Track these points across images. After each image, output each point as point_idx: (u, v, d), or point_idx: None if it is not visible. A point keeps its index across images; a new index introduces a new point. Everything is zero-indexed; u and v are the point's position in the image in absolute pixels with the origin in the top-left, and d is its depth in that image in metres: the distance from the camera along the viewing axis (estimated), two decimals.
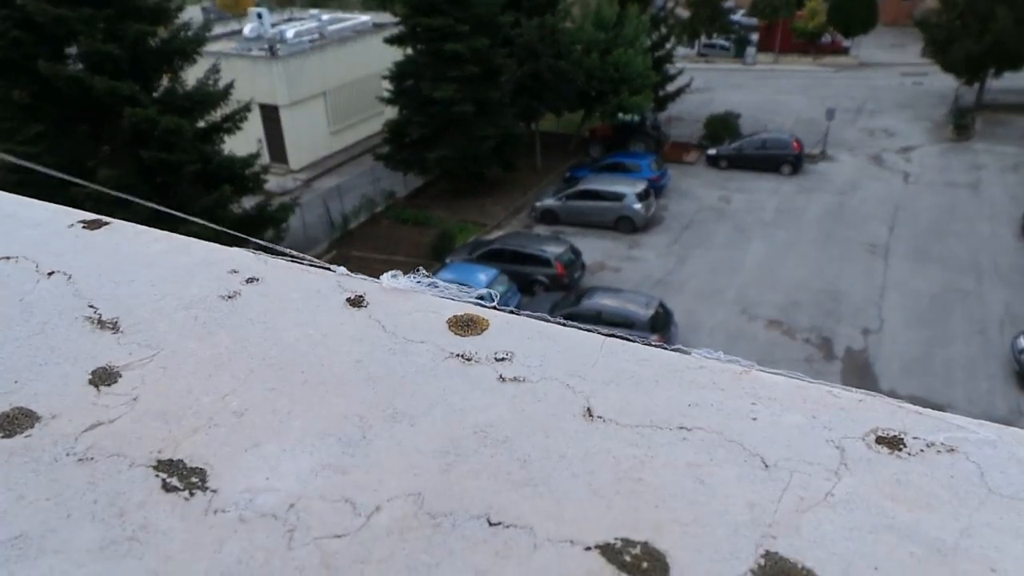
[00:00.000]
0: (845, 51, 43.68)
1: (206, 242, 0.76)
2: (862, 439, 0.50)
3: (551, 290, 18.54)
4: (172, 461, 0.49)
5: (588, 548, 0.42)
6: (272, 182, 22.79)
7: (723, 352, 0.59)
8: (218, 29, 29.58)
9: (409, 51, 23.76)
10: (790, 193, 24.92)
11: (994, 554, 0.39)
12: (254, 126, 24.60)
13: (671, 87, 29.84)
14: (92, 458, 0.49)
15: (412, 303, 0.67)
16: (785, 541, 0.41)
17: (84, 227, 0.77)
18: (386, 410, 0.54)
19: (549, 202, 23.09)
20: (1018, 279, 19.14)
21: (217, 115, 16.62)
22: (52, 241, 0.76)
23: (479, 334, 0.61)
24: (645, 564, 0.40)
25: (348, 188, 24.69)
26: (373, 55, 28.73)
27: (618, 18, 25.71)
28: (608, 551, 0.41)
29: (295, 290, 0.69)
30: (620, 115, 26.90)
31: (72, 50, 15.09)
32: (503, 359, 0.59)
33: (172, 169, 15.05)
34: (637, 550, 0.41)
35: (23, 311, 0.64)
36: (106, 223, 0.78)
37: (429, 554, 0.41)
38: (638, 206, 21.93)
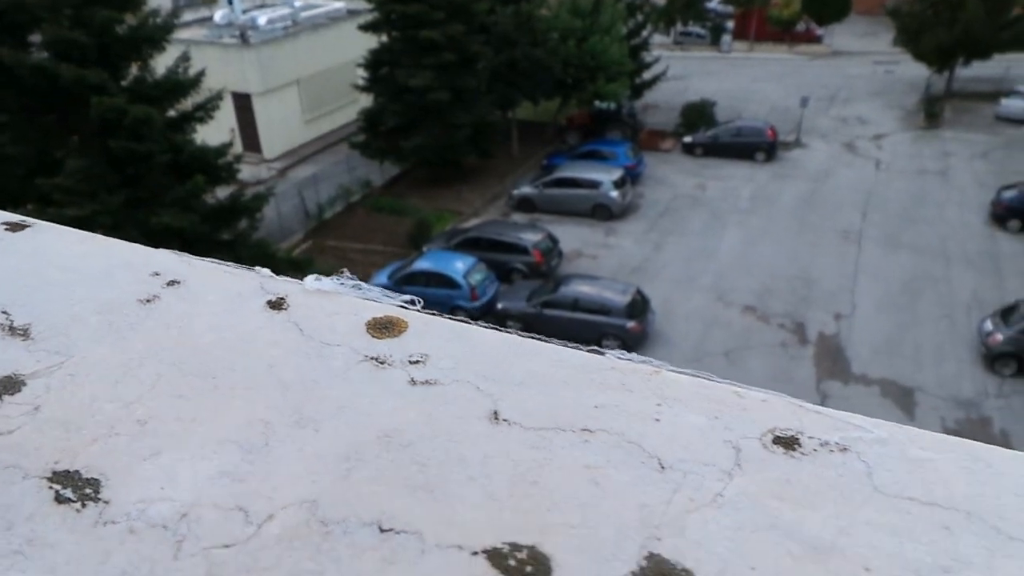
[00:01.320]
0: (819, 40, 44.03)
1: (132, 244, 0.76)
2: (759, 439, 0.50)
3: (529, 278, 18.58)
4: (68, 472, 0.49)
5: (475, 553, 0.42)
6: (246, 172, 22.49)
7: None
8: (188, 16, 29.04)
9: (384, 38, 23.54)
10: (765, 180, 25.15)
11: (870, 552, 0.41)
12: (227, 115, 24.24)
13: (647, 75, 29.90)
14: None
15: (333, 305, 0.66)
16: (669, 542, 0.42)
17: (6, 229, 0.75)
18: (292, 416, 0.53)
19: (526, 190, 23.09)
20: (985, 264, 19.53)
21: (188, 104, 16.34)
22: None
23: (396, 336, 0.61)
24: (529, 568, 0.40)
25: (323, 177, 24.46)
26: (347, 42, 28.40)
27: (594, 5, 25.67)
28: (494, 556, 0.41)
29: (216, 292, 0.69)
30: (596, 103, 26.94)
31: (36, 38, 14.74)
32: (417, 361, 0.59)
33: (142, 159, 14.79)
34: (523, 554, 0.41)
35: None
36: (28, 225, 0.76)
37: (315, 562, 0.41)
38: (615, 194, 22.01)
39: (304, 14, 29.38)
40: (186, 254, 0.71)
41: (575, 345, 0.59)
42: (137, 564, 0.42)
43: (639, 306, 16.26)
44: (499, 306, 17.16)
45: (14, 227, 0.76)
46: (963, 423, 14.04)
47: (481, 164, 25.76)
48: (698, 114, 28.77)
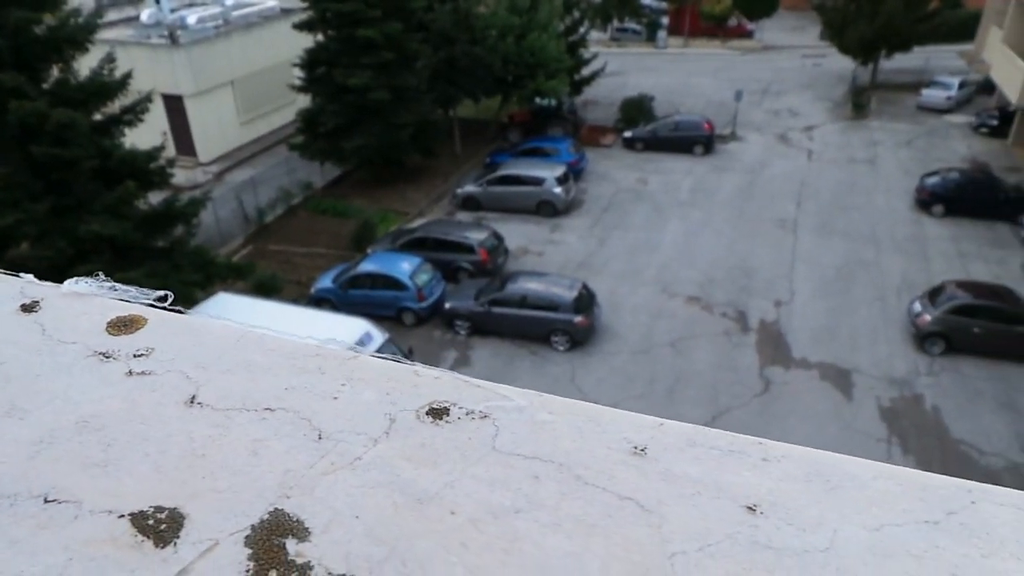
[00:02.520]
0: (750, 35, 45.24)
1: None
2: (415, 411, 0.56)
3: (475, 276, 18.55)
4: None
5: (121, 516, 0.48)
6: (180, 176, 21.81)
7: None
8: (112, 15, 27.94)
9: (320, 37, 23.11)
10: (703, 173, 25.71)
11: (463, 499, 0.48)
12: (158, 118, 23.45)
13: (586, 71, 30.19)
14: None
15: (83, 306, 0.69)
16: (296, 500, 0.49)
17: None
18: (5, 407, 0.58)
19: (470, 188, 23.04)
20: (912, 248, 20.43)
21: (115, 107, 15.72)
22: None
23: (130, 333, 0.65)
24: (163, 526, 0.46)
25: (262, 180, 23.89)
26: (282, 42, 27.79)
27: (531, 3, 25.76)
28: (137, 517, 0.47)
29: None
30: (537, 100, 27.06)
31: None
32: (141, 355, 0.63)
33: (67, 165, 14.16)
34: (163, 515, 0.47)
35: None
36: None
37: None
38: (558, 190, 22.16)
39: (236, 13, 28.60)
40: None
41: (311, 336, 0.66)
42: None
43: (586, 301, 16.42)
44: (447, 306, 17.09)
45: None
46: (897, 401, 14.66)
47: (424, 164, 25.59)
48: (637, 109, 29.20)
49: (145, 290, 0.71)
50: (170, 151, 19.68)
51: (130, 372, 0.61)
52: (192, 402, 0.59)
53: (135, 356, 0.63)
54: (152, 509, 0.49)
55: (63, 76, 14.88)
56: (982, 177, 22.91)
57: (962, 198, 21.68)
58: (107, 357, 0.63)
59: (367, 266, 17.91)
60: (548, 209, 22.27)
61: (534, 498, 0.49)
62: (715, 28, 44.64)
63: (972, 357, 15.59)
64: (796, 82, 36.19)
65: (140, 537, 0.47)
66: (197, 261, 16.21)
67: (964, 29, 35.51)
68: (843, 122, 30.61)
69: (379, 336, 14.24)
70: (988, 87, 31.01)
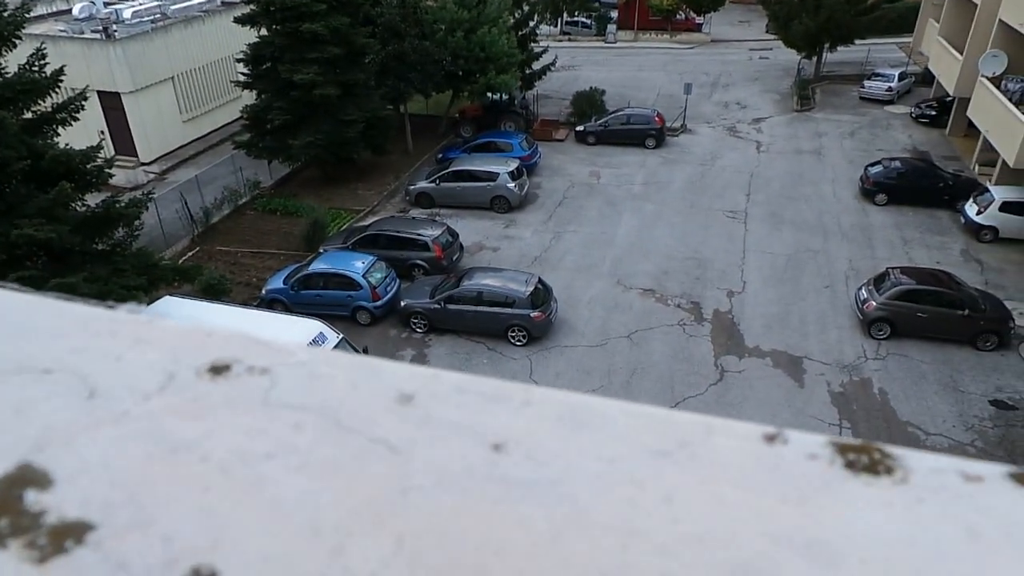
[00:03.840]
0: (698, 28, 45.80)
1: None
2: (196, 368, 0.58)
3: (430, 273, 18.35)
4: None
5: None
6: (120, 176, 21.02)
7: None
8: (41, 9, 26.77)
9: (264, 32, 22.50)
10: (655, 166, 25.93)
11: (218, 447, 0.51)
12: (95, 116, 22.59)
13: (537, 65, 30.13)
14: None
15: None
16: (49, 453, 0.51)
17: None
18: None
19: (423, 184, 22.78)
20: (858, 236, 20.95)
21: (47, 105, 15.03)
22: None
23: None
24: None
25: (208, 179, 23.21)
26: (225, 36, 27.02)
27: None
28: None
29: None
30: (489, 95, 26.88)
31: None
32: None
33: None
34: None
35: None
36: None
37: None
38: (512, 185, 22.07)
39: (174, 7, 27.68)
40: None
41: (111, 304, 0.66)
42: None
43: (542, 295, 16.38)
44: (402, 304, 16.86)
45: None
46: (847, 386, 15.01)
47: (375, 160, 25.20)
48: (588, 103, 29.28)
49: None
50: (108, 151, 18.94)
51: None
52: None
53: None
54: None
55: None
56: (922, 166, 23.63)
57: (904, 186, 22.32)
58: None
59: (319, 265, 17.54)
60: (502, 204, 22.17)
61: (288, 444, 0.51)
62: (664, 22, 45.06)
63: (916, 341, 16.06)
64: (744, 75, 36.80)
65: None
66: (140, 264, 15.65)
67: (903, 22, 36.56)
68: (790, 114, 31.24)
69: (333, 336, 13.95)
70: (927, 78, 32.02)
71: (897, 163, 23.37)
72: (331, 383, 0.57)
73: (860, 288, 17.19)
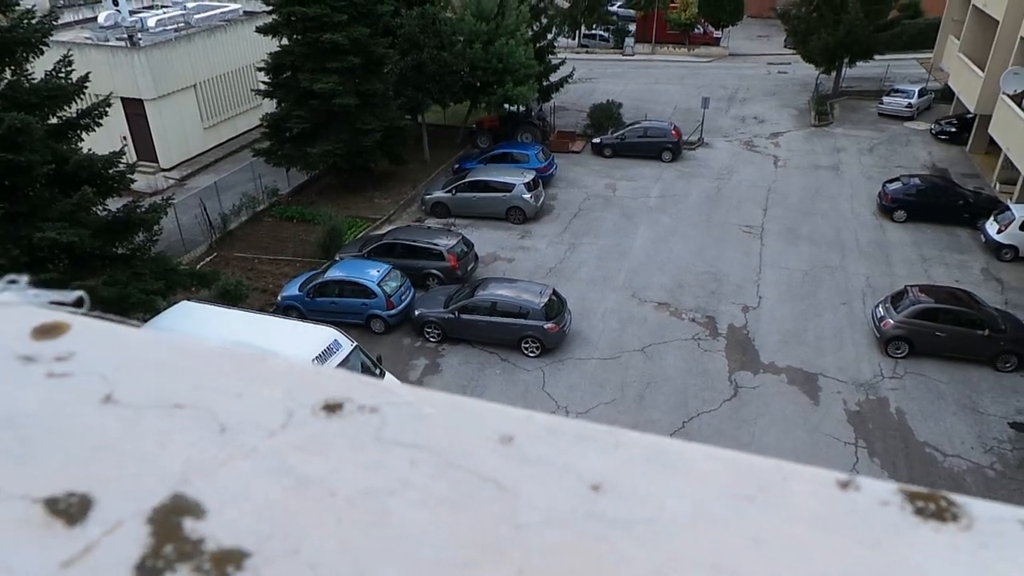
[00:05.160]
0: (716, 42, 45.82)
1: None
2: (311, 407, 0.62)
3: (445, 283, 18.39)
4: None
5: (36, 500, 0.53)
6: (141, 182, 21.31)
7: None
8: (68, 16, 27.26)
9: (284, 41, 22.76)
10: (671, 179, 25.89)
11: (342, 481, 0.55)
12: (118, 122, 22.91)
13: (554, 77, 30.23)
14: None
15: (8, 313, 0.73)
16: (196, 484, 0.55)
17: None
18: None
19: (439, 194, 22.87)
20: (876, 253, 20.78)
21: (72, 111, 15.26)
22: None
23: (54, 338, 0.70)
24: (73, 509, 0.52)
25: (227, 186, 23.45)
26: (247, 45, 27.36)
27: (499, 8, 25.72)
28: (50, 501, 0.53)
29: None
30: (506, 106, 27.00)
31: None
32: (62, 359, 0.68)
33: (21, 170, 13.67)
34: (74, 499, 0.53)
35: None
36: None
37: None
38: (528, 196, 22.11)
39: (197, 16, 28.08)
40: None
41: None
42: None
43: (556, 307, 16.36)
44: (416, 313, 16.90)
45: None
46: (863, 404, 14.85)
47: (392, 169, 25.36)
48: (605, 115, 29.32)
49: (66, 292, 0.75)
50: (131, 156, 19.19)
51: (50, 374, 0.65)
52: (107, 400, 0.62)
53: (56, 360, 0.67)
54: (64, 494, 0.53)
55: (16, 79, 14.40)
56: (942, 183, 23.44)
57: (923, 204, 22.14)
58: (29, 360, 0.67)
59: (335, 273, 17.63)
60: (518, 215, 22.21)
61: (407, 480, 0.55)
62: (682, 35, 45.12)
63: (935, 360, 15.88)
64: (761, 89, 36.73)
65: (51, 519, 0.52)
66: (158, 269, 15.79)
67: (923, 38, 36.42)
68: (808, 129, 31.12)
69: (347, 344, 14.00)
70: (947, 95, 31.81)
71: (916, 180, 23.20)
72: (436, 423, 0.60)
73: (877, 305, 17.03)
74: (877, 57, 32.91)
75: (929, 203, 22.12)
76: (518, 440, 0.58)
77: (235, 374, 0.66)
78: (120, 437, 0.59)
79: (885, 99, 32.35)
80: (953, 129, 28.84)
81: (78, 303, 0.76)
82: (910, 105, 31.56)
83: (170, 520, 0.52)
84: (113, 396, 0.63)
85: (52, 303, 0.76)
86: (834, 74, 34.01)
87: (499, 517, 0.52)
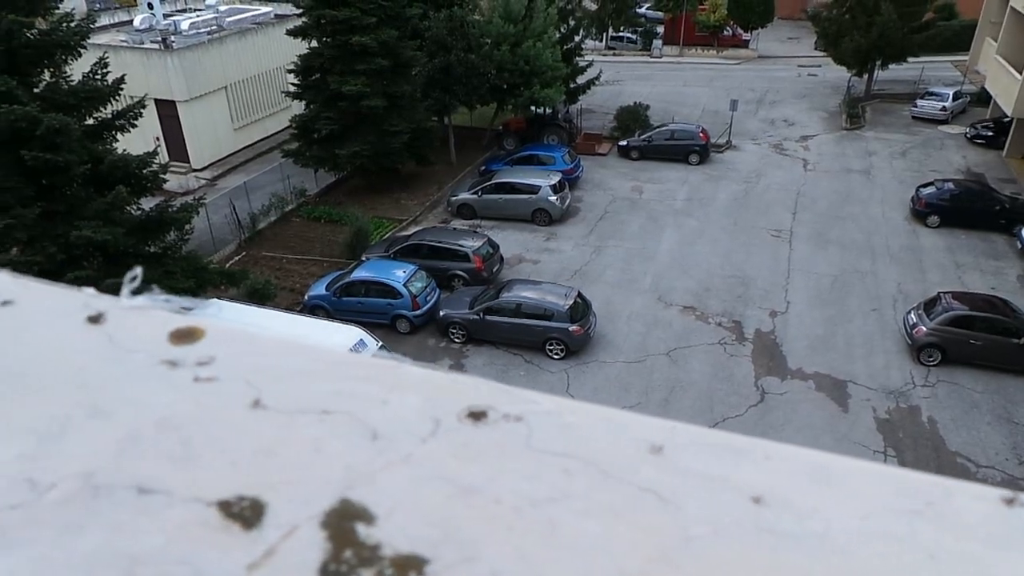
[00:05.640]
0: (745, 44, 45.37)
1: None
2: (456, 414, 0.63)
3: (470, 284, 18.43)
4: None
5: (210, 504, 0.55)
6: (173, 182, 21.67)
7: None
8: (104, 20, 27.85)
9: (314, 43, 23.01)
10: (699, 182, 25.69)
11: (503, 490, 0.55)
12: (151, 123, 23.32)
13: (581, 79, 30.17)
14: None
15: (144, 318, 0.75)
16: (360, 490, 0.56)
17: None
18: (89, 409, 0.64)
19: (465, 196, 22.95)
20: (908, 259, 20.41)
21: (107, 112, 15.59)
22: None
23: (192, 343, 0.72)
24: (247, 512, 0.54)
25: (256, 186, 23.76)
26: (277, 48, 27.73)
27: (526, 11, 25.75)
28: (224, 505, 0.55)
29: (44, 311, 0.78)
30: (532, 108, 27.01)
31: None
32: (204, 363, 0.69)
33: (58, 170, 14.01)
34: (246, 503, 0.55)
35: None
36: None
37: (82, 516, 0.54)
38: (554, 198, 22.08)
39: (229, 19, 28.53)
40: (22, 276, 0.82)
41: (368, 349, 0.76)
42: None
43: (581, 309, 16.32)
44: (441, 313, 16.96)
45: None
46: (893, 413, 14.59)
47: (419, 171, 25.49)
48: (632, 118, 29.19)
49: (196, 300, 0.78)
50: (163, 156, 19.54)
51: (196, 378, 0.67)
52: (256, 405, 0.64)
53: (199, 364, 0.69)
54: (235, 498, 0.55)
55: (55, 80, 14.75)
56: (977, 188, 22.95)
57: (957, 209, 21.70)
58: (173, 365, 0.68)
59: (361, 273, 17.77)
60: (543, 217, 22.20)
61: (566, 489, 0.55)
62: (710, 38, 44.77)
63: (968, 369, 15.54)
64: (791, 92, 36.30)
65: (228, 522, 0.53)
66: (189, 267, 16.06)
67: (959, 40, 35.70)
68: (838, 132, 30.68)
69: (373, 344, 14.10)
70: (983, 98, 31.15)
71: (951, 184, 22.74)
72: (583, 432, 0.61)
73: (909, 312, 16.73)
74: (911, 59, 32.32)
75: (964, 208, 21.67)
76: (667, 450, 0.58)
77: (374, 381, 0.67)
78: (277, 442, 0.60)
79: (919, 102, 31.76)
80: (989, 133, 28.22)
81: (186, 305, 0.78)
82: (945, 108, 30.95)
83: (343, 525, 0.52)
84: (261, 401, 0.65)
85: (183, 308, 0.78)
86: (866, 76, 33.48)
87: (667, 529, 0.51)
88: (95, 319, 0.74)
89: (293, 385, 0.67)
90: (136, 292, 0.77)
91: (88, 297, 0.77)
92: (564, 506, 0.53)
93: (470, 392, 0.66)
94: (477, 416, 0.62)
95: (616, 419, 0.62)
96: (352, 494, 0.55)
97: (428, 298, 17.38)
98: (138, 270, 0.76)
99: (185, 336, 0.72)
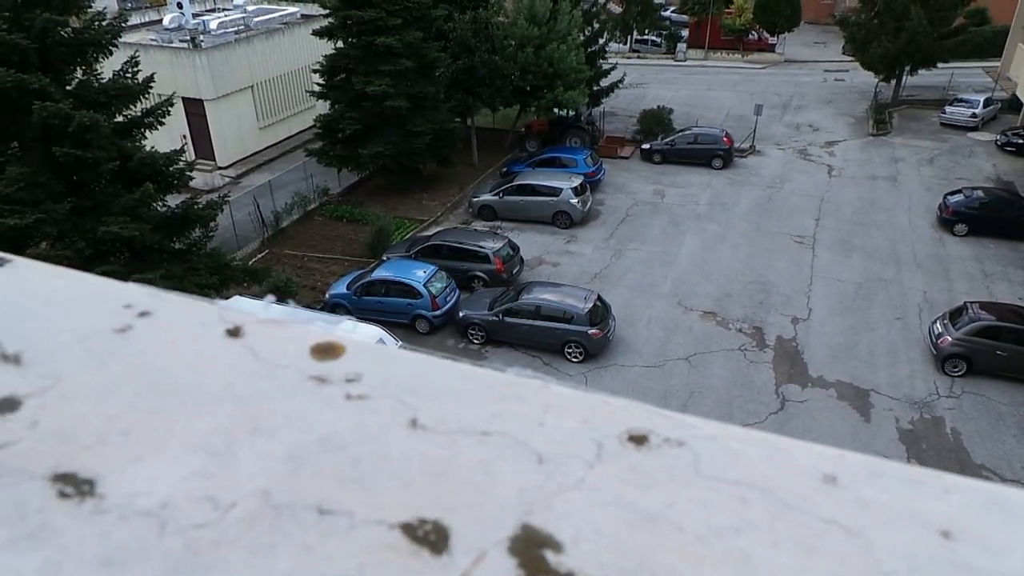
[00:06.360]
0: (771, 48, 45.00)
1: (103, 278, 0.85)
2: (617, 438, 0.62)
3: (490, 285, 18.46)
4: (67, 474, 0.59)
5: (392, 527, 0.54)
6: (198, 179, 21.93)
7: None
8: (135, 19, 28.29)
9: (340, 44, 23.20)
10: (721, 187, 25.51)
11: (685, 518, 0.54)
12: (178, 121, 23.65)
13: (605, 82, 30.10)
14: None
15: (282, 332, 0.75)
16: (540, 516, 0.54)
17: None
18: (249, 425, 0.64)
19: (486, 197, 22.99)
20: (934, 267, 20.10)
21: (137, 109, 15.84)
22: None
23: (335, 359, 0.71)
24: (432, 536, 0.53)
25: (279, 185, 24.00)
26: (302, 48, 27.99)
27: (551, 13, 25.75)
28: (407, 527, 0.54)
29: (182, 323, 0.78)
30: (555, 110, 26.99)
31: None
32: (352, 380, 0.69)
33: (88, 166, 14.26)
34: (428, 526, 0.54)
35: None
36: (8, 260, 0.86)
37: (270, 536, 0.54)
38: (575, 200, 22.05)
39: (257, 19, 28.86)
40: (153, 288, 0.83)
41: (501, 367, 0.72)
42: (130, 540, 0.53)
43: (600, 313, 16.27)
44: (460, 314, 17.00)
45: None
46: (917, 423, 14.37)
47: (441, 171, 25.58)
48: (656, 121, 29.07)
49: (329, 316, 0.77)
50: (189, 154, 19.80)
51: (348, 396, 0.66)
52: (414, 425, 0.63)
53: (347, 381, 0.68)
54: (416, 520, 0.54)
55: (86, 78, 15.01)
56: (1007, 196, 22.55)
57: (986, 217, 21.33)
58: (322, 381, 0.68)
59: (382, 273, 17.87)
60: (564, 220, 22.17)
61: (749, 519, 0.53)
62: (735, 41, 44.45)
63: (995, 380, 15.27)
64: (817, 97, 35.93)
65: (415, 546, 0.52)
66: (213, 264, 16.26)
67: (990, 46, 35.12)
68: (865, 138, 30.31)
69: (392, 343, 14.18)
70: (1014, 105, 30.60)
71: (979, 192, 22.37)
72: (750, 459, 0.59)
73: (935, 322, 16.47)
74: (940, 65, 31.84)
75: (993, 217, 21.29)
76: (842, 481, 0.56)
77: (525, 401, 0.66)
78: (444, 463, 0.60)
79: (948, 108, 31.27)
80: (1020, 141, 27.71)
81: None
82: (975, 115, 30.44)
83: (531, 552, 0.51)
84: (419, 421, 0.64)
85: (319, 323, 0.78)
86: (894, 82, 33.03)
87: (861, 564, 0.50)
88: (233, 332, 0.74)
89: (447, 405, 0.66)
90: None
91: (221, 310, 0.78)
92: (750, 537, 0.52)
93: (623, 414, 0.64)
94: (638, 440, 0.61)
95: (780, 446, 0.60)
96: (532, 519, 0.54)
97: (448, 299, 17.43)
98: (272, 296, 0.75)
99: (327, 351, 0.71)
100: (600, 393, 0.67)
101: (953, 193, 22.68)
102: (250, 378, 0.69)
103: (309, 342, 0.73)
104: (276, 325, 0.75)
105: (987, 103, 31.02)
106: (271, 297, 0.80)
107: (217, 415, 0.65)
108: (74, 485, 0.58)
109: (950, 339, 15.51)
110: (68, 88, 14.73)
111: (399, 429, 0.63)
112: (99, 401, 0.66)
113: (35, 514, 0.55)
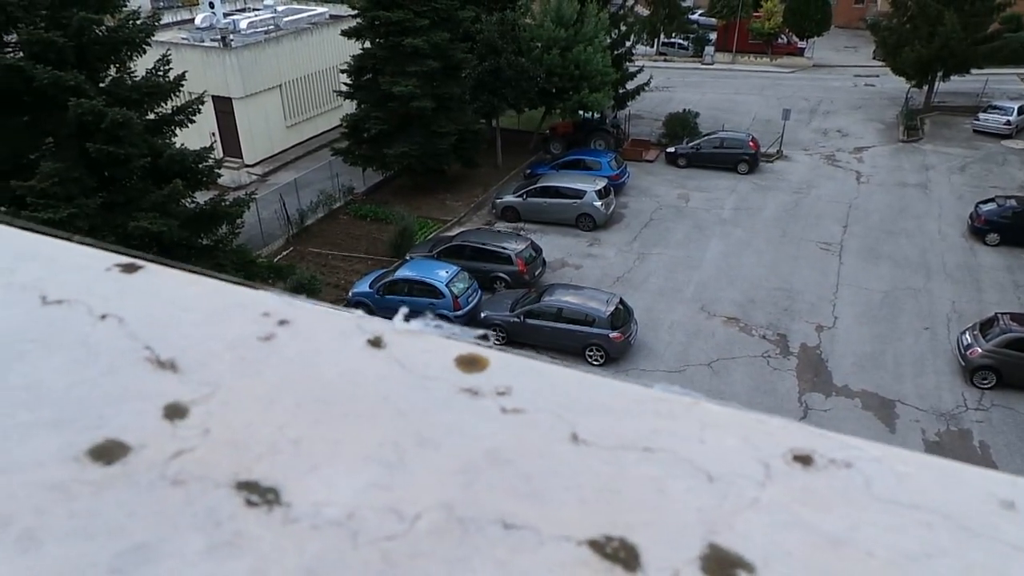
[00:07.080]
0: (800, 52, 44.53)
1: (236, 285, 0.85)
2: (782, 457, 0.61)
3: (512, 287, 18.47)
4: (248, 482, 0.59)
5: (580, 543, 0.53)
6: (226, 177, 22.20)
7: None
8: (167, 18, 28.73)
9: (367, 45, 23.38)
10: (747, 191, 25.29)
11: (873, 543, 0.53)
12: (207, 119, 23.97)
13: (631, 85, 30.00)
14: (183, 480, 0.60)
15: (423, 343, 0.74)
16: (724, 536, 0.53)
17: (121, 271, 0.85)
18: (414, 437, 0.63)
19: (510, 199, 23.01)
20: (964, 277, 19.74)
21: (168, 107, 16.08)
22: (96, 284, 0.85)
23: (482, 371, 0.70)
24: (622, 554, 0.52)
25: (305, 183, 24.22)
26: (330, 48, 28.23)
27: (578, 15, 25.72)
28: (595, 544, 0.53)
29: (322, 332, 0.77)
30: (580, 112, 26.94)
31: (12, 38, 14.44)
32: (503, 393, 0.68)
33: (120, 163, 14.51)
34: (615, 544, 0.53)
35: (89, 353, 0.73)
36: (140, 266, 0.86)
37: (461, 550, 0.53)
38: (598, 203, 21.99)
39: (286, 19, 29.17)
40: (286, 295, 0.82)
41: (645, 383, 0.71)
42: (328, 552, 0.53)
43: (622, 316, 16.21)
44: (482, 315, 17.03)
45: (128, 268, 0.85)
46: (943, 435, 14.12)
47: (465, 172, 25.66)
48: (681, 125, 28.89)
49: (467, 329, 0.76)
50: (218, 152, 20.06)
51: (503, 409, 0.66)
52: (575, 440, 0.62)
53: (499, 394, 0.68)
54: (602, 538, 0.54)
55: (120, 76, 15.28)
56: None
57: (1019, 227, 20.90)
58: (474, 394, 0.68)
59: (405, 272, 17.96)
60: (587, 222, 22.12)
61: (937, 545, 0.52)
62: (764, 45, 44.04)
63: None
64: (846, 102, 35.48)
65: (607, 563, 0.52)
66: (239, 261, 16.45)
67: None
68: (895, 144, 29.87)
69: None
70: None
71: (1013, 202, 21.93)
72: (922, 483, 0.58)
73: (964, 332, 16.18)
74: (974, 71, 31.29)
75: None
76: (1020, 506, 0.55)
77: (681, 418, 0.65)
78: (616, 479, 0.59)
79: (981, 115, 30.72)
80: None
81: (482, 337, 0.78)
82: (1009, 123, 29.85)
83: (725, 572, 0.51)
84: (579, 436, 0.63)
85: (458, 335, 0.76)
86: (926, 88, 32.51)
87: None
88: (375, 343, 0.74)
89: (605, 419, 0.65)
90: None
91: (358, 319, 0.77)
92: (942, 564, 0.50)
93: (783, 433, 0.63)
94: (804, 460, 0.60)
95: (949, 469, 0.59)
96: (718, 540, 0.53)
97: (470, 299, 17.47)
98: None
99: (472, 363, 0.71)
100: (756, 411, 0.66)
101: (985, 202, 22.27)
102: (403, 389, 0.69)
103: (452, 354, 0.72)
104: (416, 335, 0.75)
105: (1021, 110, 30.41)
106: (404, 310, 0.80)
107: (380, 426, 0.65)
108: (259, 494, 0.58)
109: (980, 350, 15.23)
110: (102, 85, 15.00)
111: (561, 444, 0.62)
112: (263, 409, 0.66)
113: (228, 522, 0.56)
